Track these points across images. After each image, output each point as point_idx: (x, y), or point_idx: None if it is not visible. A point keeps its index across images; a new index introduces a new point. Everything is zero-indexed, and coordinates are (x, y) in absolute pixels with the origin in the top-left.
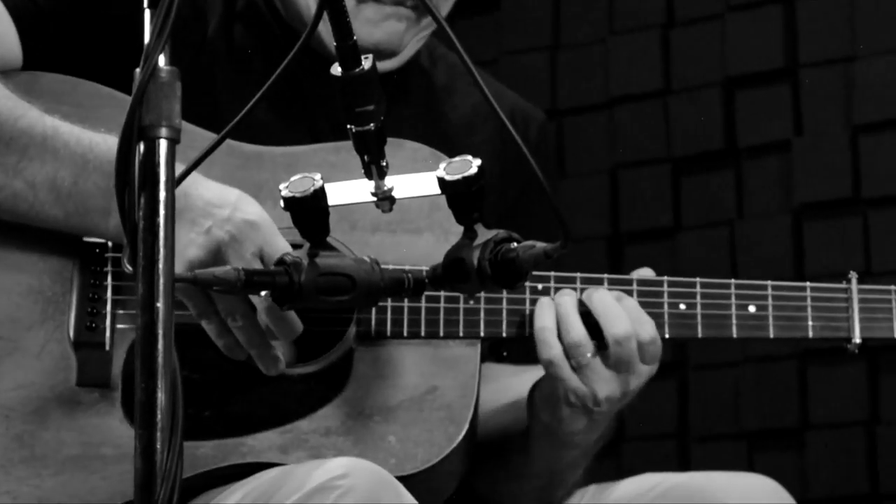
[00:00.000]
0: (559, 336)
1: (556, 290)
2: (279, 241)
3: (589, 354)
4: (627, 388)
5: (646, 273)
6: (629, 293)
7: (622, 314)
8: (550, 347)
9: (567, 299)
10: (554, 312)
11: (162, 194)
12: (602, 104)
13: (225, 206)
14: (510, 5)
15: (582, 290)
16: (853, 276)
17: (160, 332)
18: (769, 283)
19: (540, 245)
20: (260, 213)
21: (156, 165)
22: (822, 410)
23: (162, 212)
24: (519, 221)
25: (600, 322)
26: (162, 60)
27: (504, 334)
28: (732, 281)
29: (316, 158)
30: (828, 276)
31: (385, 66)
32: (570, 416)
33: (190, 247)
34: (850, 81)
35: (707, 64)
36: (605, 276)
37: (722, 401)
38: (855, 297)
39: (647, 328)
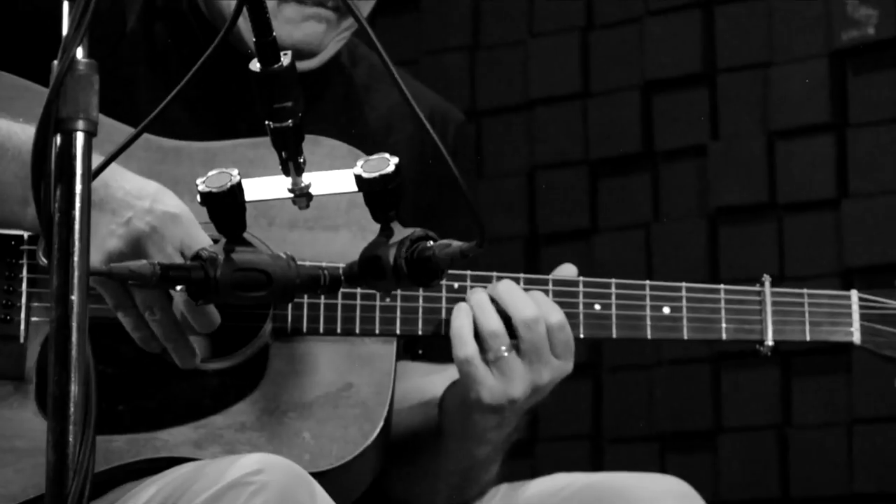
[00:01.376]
0: (475, 331)
1: (473, 288)
2: (200, 234)
3: (504, 347)
4: (540, 380)
5: (568, 269)
6: (545, 293)
7: (528, 299)
8: (465, 345)
9: (480, 292)
10: (471, 314)
11: (78, 187)
12: (521, 105)
13: (145, 197)
14: (430, 5)
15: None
16: (766, 279)
17: (74, 325)
18: (683, 284)
19: (456, 244)
20: (180, 206)
21: (72, 158)
22: (735, 413)
23: (78, 205)
24: (436, 221)
25: (508, 310)
26: (80, 53)
27: (420, 332)
28: (647, 282)
29: (234, 154)
30: (742, 280)
31: (305, 65)
32: (482, 415)
33: (110, 238)
34: (766, 87)
35: (626, 67)
36: (521, 275)
37: (635, 402)
38: (768, 300)
39: (554, 314)
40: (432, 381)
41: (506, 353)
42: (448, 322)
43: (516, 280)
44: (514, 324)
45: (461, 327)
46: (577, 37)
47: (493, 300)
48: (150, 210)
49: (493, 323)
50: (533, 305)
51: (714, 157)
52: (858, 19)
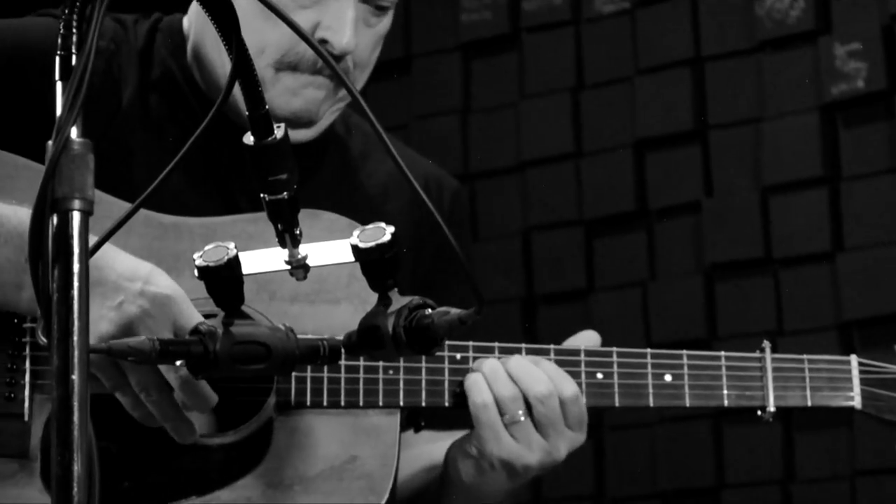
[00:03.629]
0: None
1: (475, 358)
2: (193, 314)
3: (520, 412)
4: (557, 452)
5: (591, 336)
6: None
7: (541, 374)
8: (482, 392)
9: (492, 361)
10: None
11: (75, 267)
12: (514, 167)
13: (137, 279)
14: (420, 70)
15: (499, 358)
16: (767, 345)
17: (76, 404)
18: (684, 352)
19: (455, 311)
20: (173, 287)
21: (69, 238)
22: (738, 469)
23: (76, 284)
24: (434, 288)
25: (520, 385)
26: (74, 133)
27: (423, 403)
28: (648, 350)
29: (234, 229)
30: (740, 337)
31: (302, 135)
32: (491, 470)
33: (101, 321)
34: (758, 142)
35: (617, 126)
36: (523, 345)
37: (638, 461)
38: (769, 366)
39: (568, 386)
40: (439, 446)
41: (522, 418)
42: (451, 393)
43: (518, 350)
44: (528, 400)
45: (477, 379)
46: (568, 97)
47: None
48: (142, 293)
49: (508, 389)
50: (546, 380)
51: (708, 213)
52: (847, 72)
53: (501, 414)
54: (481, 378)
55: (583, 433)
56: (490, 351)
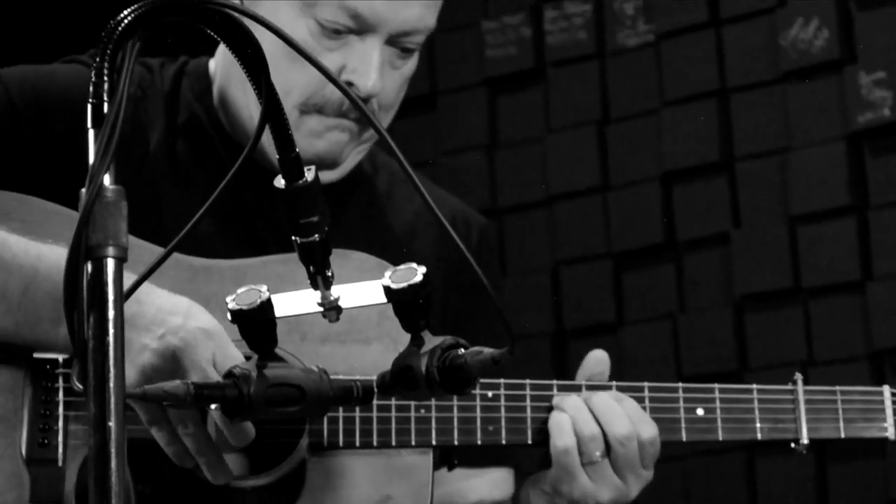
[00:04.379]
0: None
1: (506, 396)
2: (231, 349)
3: (598, 453)
4: (629, 492)
5: (600, 356)
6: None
7: (623, 415)
8: (565, 435)
9: (575, 398)
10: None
11: (111, 313)
12: (541, 202)
13: (178, 313)
14: (446, 106)
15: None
16: (798, 377)
17: (112, 450)
18: (716, 386)
19: (487, 351)
20: (212, 322)
21: (104, 285)
22: (771, 502)
23: (111, 331)
24: (463, 326)
25: (602, 424)
26: (107, 180)
27: (456, 442)
28: (680, 385)
29: (265, 271)
30: (771, 367)
31: (326, 177)
32: None
33: (143, 353)
34: (785, 172)
35: (644, 159)
36: (554, 382)
37: (671, 495)
38: (801, 398)
39: (647, 428)
40: (473, 484)
41: (599, 459)
42: (484, 430)
43: (549, 387)
44: (608, 439)
45: (562, 421)
46: (594, 131)
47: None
48: (183, 326)
49: (591, 427)
50: (627, 422)
51: (736, 244)
52: (873, 101)
53: (580, 454)
54: (566, 421)
55: (652, 471)
56: (521, 388)
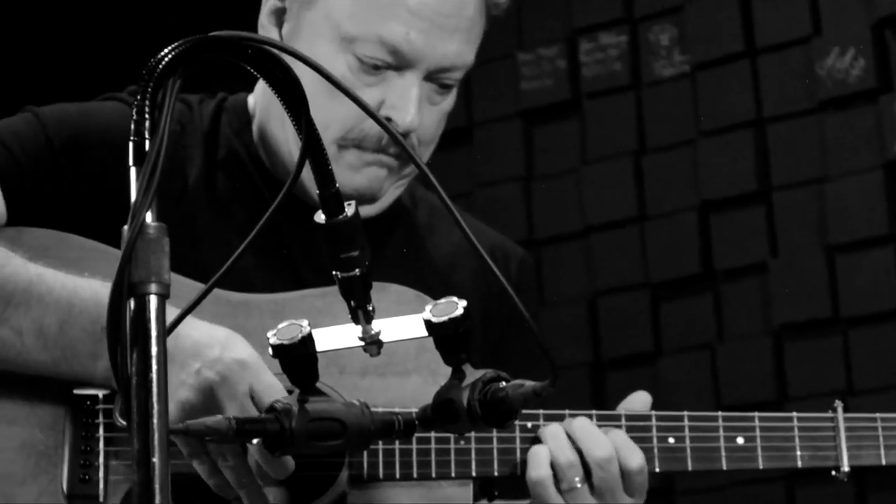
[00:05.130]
0: (551, 461)
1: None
2: (269, 378)
3: (577, 479)
4: None
5: (641, 397)
6: (618, 428)
7: (602, 439)
8: (539, 467)
9: (555, 426)
10: (547, 448)
11: (153, 350)
12: (578, 233)
13: (214, 345)
14: (482, 138)
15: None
16: (839, 405)
17: (157, 486)
18: (756, 414)
19: (529, 384)
20: (249, 352)
21: (146, 321)
22: None
23: (154, 367)
24: (502, 358)
25: (581, 446)
26: (149, 217)
27: (496, 473)
28: (720, 413)
29: (303, 305)
30: (810, 397)
31: (365, 211)
32: None
33: (181, 389)
34: (823, 202)
35: (681, 189)
36: (594, 412)
37: None
38: (842, 426)
39: (635, 457)
40: None
41: (578, 485)
42: (524, 461)
43: (589, 417)
44: (586, 463)
45: (538, 452)
46: (631, 161)
47: (568, 436)
48: (220, 359)
49: (567, 454)
50: (607, 445)
51: (775, 274)
52: None
53: (559, 480)
54: (542, 451)
55: (641, 499)
56: (560, 418)
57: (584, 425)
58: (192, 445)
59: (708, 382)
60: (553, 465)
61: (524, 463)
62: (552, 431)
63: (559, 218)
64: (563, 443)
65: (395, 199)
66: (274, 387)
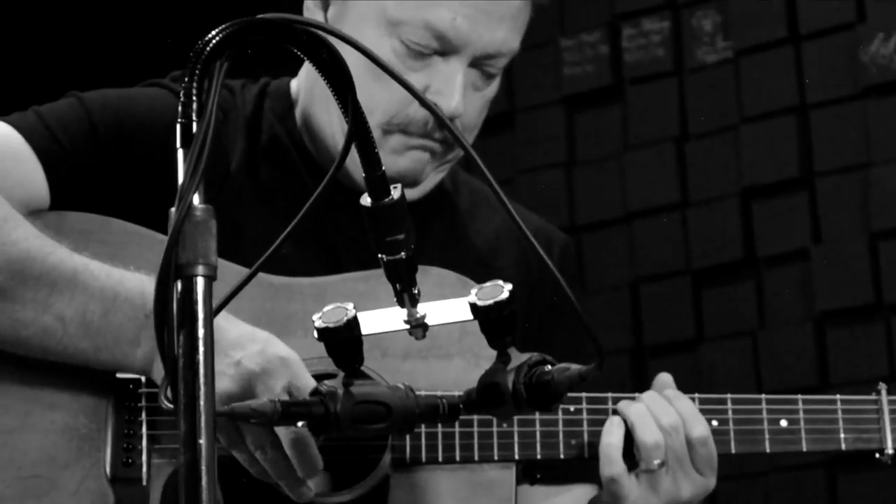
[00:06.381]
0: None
1: (588, 410)
2: (307, 377)
3: (657, 461)
4: (680, 493)
5: (665, 379)
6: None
7: (669, 407)
8: (613, 464)
9: (638, 405)
10: (622, 431)
11: (200, 332)
12: (620, 219)
13: (257, 341)
14: (524, 124)
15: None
16: (882, 387)
17: (203, 468)
18: (799, 397)
19: (575, 367)
20: (289, 351)
21: (194, 303)
22: None
23: (201, 349)
24: (543, 344)
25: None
26: (196, 199)
27: (539, 456)
28: (763, 396)
29: (345, 288)
30: (853, 383)
31: (407, 195)
32: None
33: (222, 378)
34: (866, 188)
35: (723, 175)
36: (635, 395)
37: None
38: (885, 408)
39: (698, 427)
40: (556, 502)
41: (657, 467)
42: (567, 444)
43: (631, 399)
44: None
45: (610, 446)
46: (673, 147)
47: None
48: (262, 352)
49: (654, 435)
50: (673, 413)
51: (817, 260)
52: None
53: (637, 463)
54: (613, 445)
55: (711, 478)
56: (603, 402)
57: (651, 395)
58: (230, 437)
59: (749, 369)
60: (630, 447)
61: (592, 445)
62: (638, 412)
63: (601, 204)
64: (649, 423)
65: (437, 183)
66: (311, 385)
